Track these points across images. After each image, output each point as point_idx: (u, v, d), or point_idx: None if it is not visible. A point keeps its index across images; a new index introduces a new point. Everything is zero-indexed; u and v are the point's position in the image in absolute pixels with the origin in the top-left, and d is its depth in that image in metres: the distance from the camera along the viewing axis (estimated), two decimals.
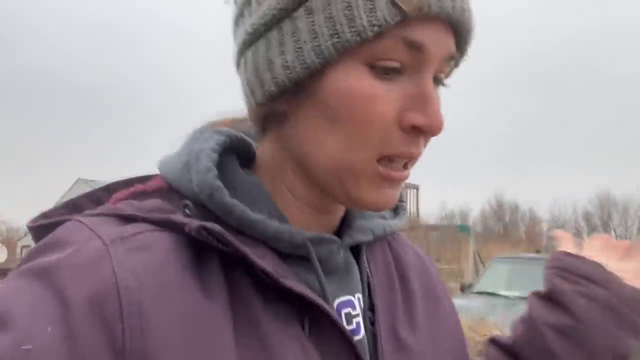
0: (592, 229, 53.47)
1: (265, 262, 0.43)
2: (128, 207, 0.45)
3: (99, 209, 0.46)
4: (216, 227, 0.41)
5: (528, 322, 0.62)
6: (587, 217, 54.22)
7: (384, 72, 0.42)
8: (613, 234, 50.69)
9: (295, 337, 0.43)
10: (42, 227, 0.48)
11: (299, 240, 0.46)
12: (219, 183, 0.45)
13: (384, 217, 0.58)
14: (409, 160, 0.46)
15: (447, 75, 0.48)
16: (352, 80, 0.42)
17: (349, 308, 0.49)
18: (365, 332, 0.50)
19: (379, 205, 0.46)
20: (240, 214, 0.44)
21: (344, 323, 0.48)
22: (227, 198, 0.44)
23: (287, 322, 0.44)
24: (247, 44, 0.46)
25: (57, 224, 0.45)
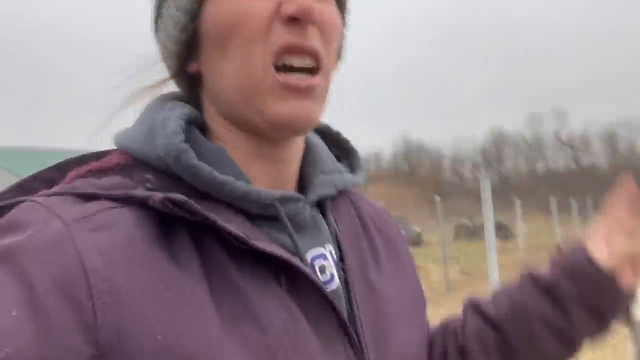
0: (487, 163, 58.52)
1: (234, 226, 0.43)
2: (86, 185, 0.44)
3: (55, 189, 0.45)
4: (179, 197, 0.41)
5: (520, 308, 0.61)
6: (484, 153, 59.08)
7: None
8: (505, 166, 55.98)
9: (274, 293, 0.45)
10: None
11: (267, 199, 0.47)
12: (186, 146, 0.45)
13: (341, 172, 0.59)
14: (306, 58, 0.47)
15: None
16: (222, 4, 0.47)
17: (322, 259, 0.51)
18: (340, 280, 0.52)
19: (288, 117, 0.47)
20: (208, 175, 0.45)
21: (319, 275, 0.50)
22: (195, 160, 0.45)
23: (264, 281, 0.45)
24: (155, 30, 0.53)
25: (9, 207, 0.44)
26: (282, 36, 0.46)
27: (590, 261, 0.59)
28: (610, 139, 52.24)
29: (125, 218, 0.42)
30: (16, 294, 0.36)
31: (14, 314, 0.35)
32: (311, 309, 0.46)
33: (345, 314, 0.49)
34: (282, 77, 0.46)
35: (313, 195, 0.53)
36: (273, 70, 0.46)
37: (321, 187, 0.54)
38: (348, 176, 0.59)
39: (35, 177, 0.49)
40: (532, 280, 0.62)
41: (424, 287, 0.66)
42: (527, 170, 54.82)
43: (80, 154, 0.51)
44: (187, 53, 0.50)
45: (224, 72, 0.48)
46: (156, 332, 0.38)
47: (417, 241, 14.16)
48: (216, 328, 0.40)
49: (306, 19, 0.46)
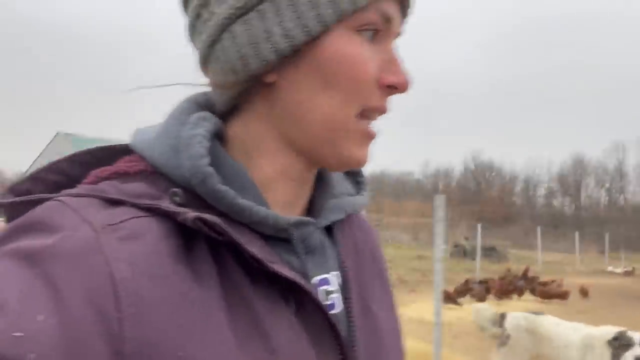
0: (565, 190, 55.10)
1: (254, 248, 0.45)
2: (113, 190, 0.45)
3: (81, 189, 0.45)
4: (212, 217, 0.43)
5: None
6: (561, 179, 55.62)
7: (367, 38, 0.49)
8: (583, 194, 52.45)
9: (283, 314, 0.47)
10: (15, 204, 0.46)
11: (283, 225, 0.49)
12: (211, 170, 0.46)
13: (351, 194, 0.61)
14: (380, 115, 0.52)
15: None
16: (346, 44, 0.48)
17: (327, 285, 0.53)
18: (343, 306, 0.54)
19: (362, 162, 0.52)
20: (231, 201, 0.46)
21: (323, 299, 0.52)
22: (219, 185, 0.46)
23: (275, 301, 0.47)
24: (235, 18, 0.48)
25: (33, 202, 0.44)
26: (376, 100, 0.50)
27: None
28: None
29: (151, 229, 0.43)
30: (44, 299, 0.36)
31: (39, 319, 0.35)
32: (314, 331, 0.49)
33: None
34: (367, 127, 0.51)
35: (324, 220, 0.55)
36: (356, 119, 0.50)
37: (332, 212, 0.56)
38: (356, 199, 0.61)
39: (47, 168, 0.50)
40: None
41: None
42: (607, 202, 50.97)
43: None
44: (277, 64, 0.48)
45: (317, 103, 0.49)
46: (177, 348, 0.39)
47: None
48: (231, 347, 0.42)
49: (403, 91, 0.51)
